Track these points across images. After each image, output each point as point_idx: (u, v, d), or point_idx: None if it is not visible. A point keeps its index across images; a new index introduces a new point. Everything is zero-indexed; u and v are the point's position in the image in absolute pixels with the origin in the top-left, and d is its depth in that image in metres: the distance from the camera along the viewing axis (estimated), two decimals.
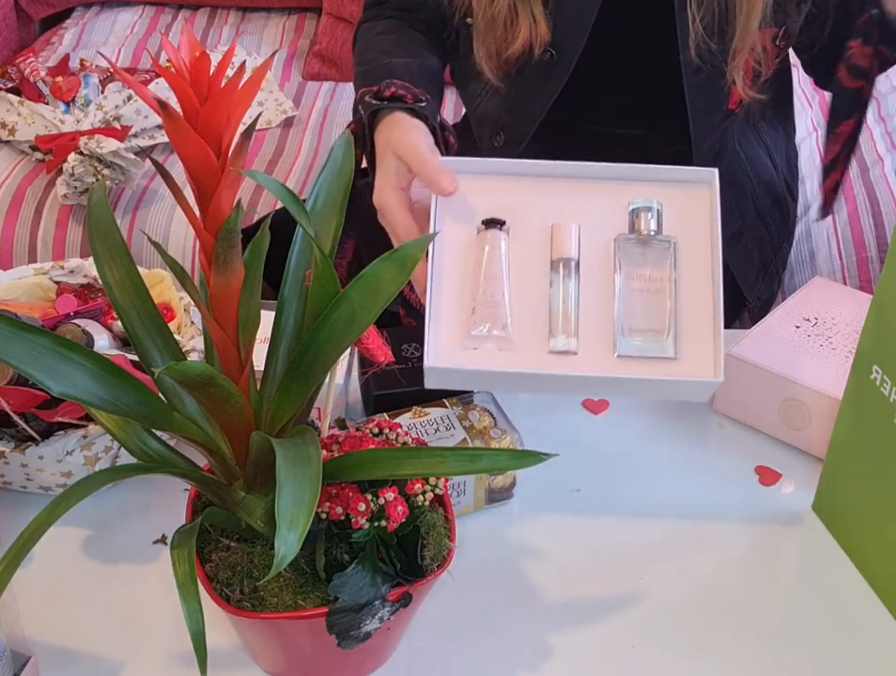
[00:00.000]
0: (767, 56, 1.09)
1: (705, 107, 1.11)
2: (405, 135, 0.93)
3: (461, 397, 0.92)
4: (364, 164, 1.01)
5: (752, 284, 1.26)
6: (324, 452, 0.70)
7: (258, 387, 0.69)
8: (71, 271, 1.00)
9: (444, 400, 0.92)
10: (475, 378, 0.84)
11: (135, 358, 0.78)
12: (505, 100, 1.14)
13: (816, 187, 1.65)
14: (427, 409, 0.90)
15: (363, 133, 0.98)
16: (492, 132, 1.18)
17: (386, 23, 1.16)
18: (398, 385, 0.94)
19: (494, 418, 0.90)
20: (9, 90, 1.81)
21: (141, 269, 0.72)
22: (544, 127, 1.14)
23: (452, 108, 1.88)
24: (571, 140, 1.14)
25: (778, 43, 1.09)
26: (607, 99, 1.12)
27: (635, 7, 1.07)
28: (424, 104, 0.97)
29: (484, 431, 0.89)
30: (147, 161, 1.64)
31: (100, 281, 0.73)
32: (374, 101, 0.97)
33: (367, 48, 1.13)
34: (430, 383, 0.83)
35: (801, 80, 1.67)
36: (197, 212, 0.58)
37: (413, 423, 0.89)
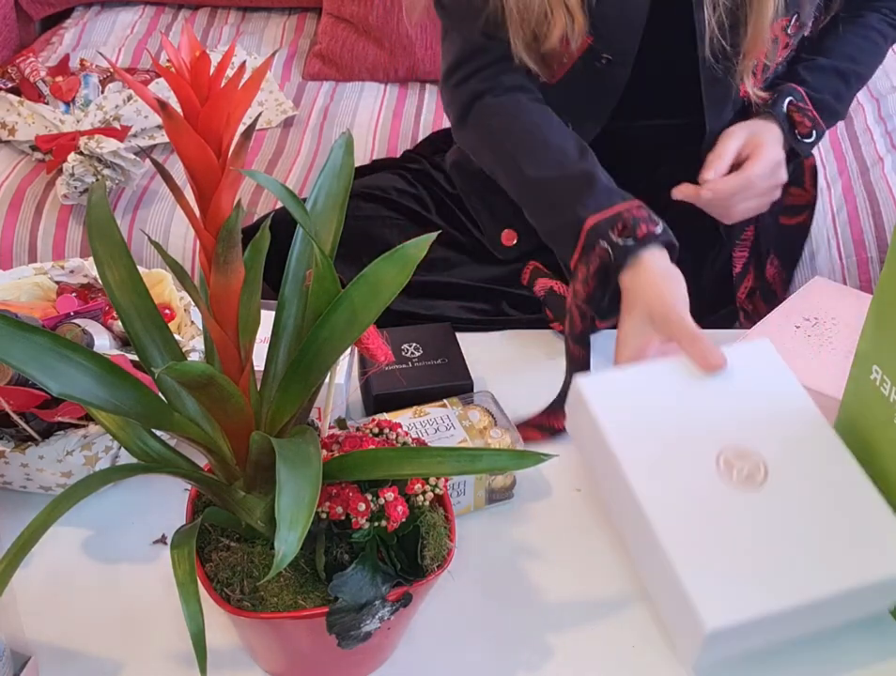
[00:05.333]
0: (777, 47, 1.13)
1: (719, 99, 1.15)
2: (655, 288, 0.89)
3: (461, 397, 0.92)
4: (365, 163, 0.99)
5: (741, 273, 1.26)
6: (324, 452, 0.70)
7: (258, 387, 0.69)
8: (71, 271, 0.99)
9: (444, 400, 0.92)
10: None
11: (135, 358, 0.78)
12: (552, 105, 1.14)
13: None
14: (427, 409, 0.90)
15: (606, 264, 0.93)
16: None
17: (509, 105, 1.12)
18: (398, 385, 0.94)
19: (494, 418, 0.90)
20: (9, 90, 1.81)
21: (141, 269, 0.72)
22: None
23: None
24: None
25: (788, 31, 1.12)
26: (634, 93, 1.16)
27: (663, 7, 1.11)
28: (660, 227, 0.92)
29: (484, 431, 0.89)
30: (147, 161, 1.64)
31: (100, 281, 0.73)
32: (627, 242, 0.92)
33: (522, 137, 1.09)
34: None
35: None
36: (197, 212, 0.58)
37: (413, 423, 0.89)
